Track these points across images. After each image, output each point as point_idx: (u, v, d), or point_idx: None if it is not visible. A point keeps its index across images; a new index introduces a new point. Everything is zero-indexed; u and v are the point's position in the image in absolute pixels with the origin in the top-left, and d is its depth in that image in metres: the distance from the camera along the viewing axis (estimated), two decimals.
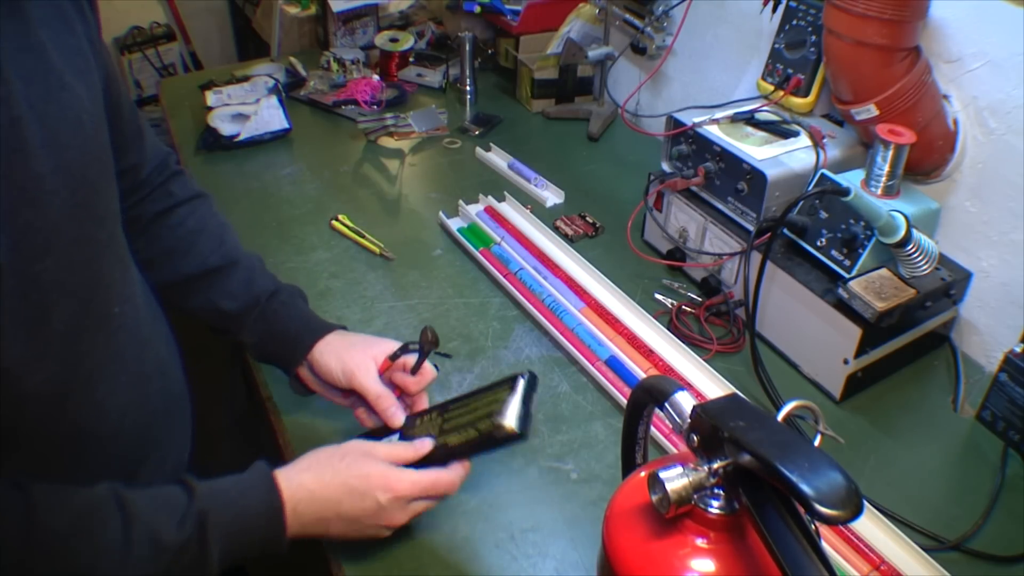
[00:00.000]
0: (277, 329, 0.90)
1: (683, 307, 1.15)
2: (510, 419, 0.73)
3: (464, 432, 0.76)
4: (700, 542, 0.56)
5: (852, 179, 1.02)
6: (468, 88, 1.74)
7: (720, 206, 1.15)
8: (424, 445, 0.78)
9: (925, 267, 0.97)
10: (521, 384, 0.76)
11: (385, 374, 0.87)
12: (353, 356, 0.87)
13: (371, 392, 0.85)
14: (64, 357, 0.63)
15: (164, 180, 0.91)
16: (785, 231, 1.05)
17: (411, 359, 0.86)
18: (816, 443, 0.59)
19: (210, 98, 1.60)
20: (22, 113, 0.56)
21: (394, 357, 0.86)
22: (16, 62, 0.57)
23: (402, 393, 0.87)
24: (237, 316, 0.90)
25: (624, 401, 0.95)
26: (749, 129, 1.15)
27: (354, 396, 0.88)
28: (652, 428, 0.73)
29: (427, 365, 0.86)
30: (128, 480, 0.67)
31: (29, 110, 0.57)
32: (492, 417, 0.74)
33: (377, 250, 1.26)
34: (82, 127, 0.63)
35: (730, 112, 1.17)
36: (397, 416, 0.84)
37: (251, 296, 0.91)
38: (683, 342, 1.06)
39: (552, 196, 1.41)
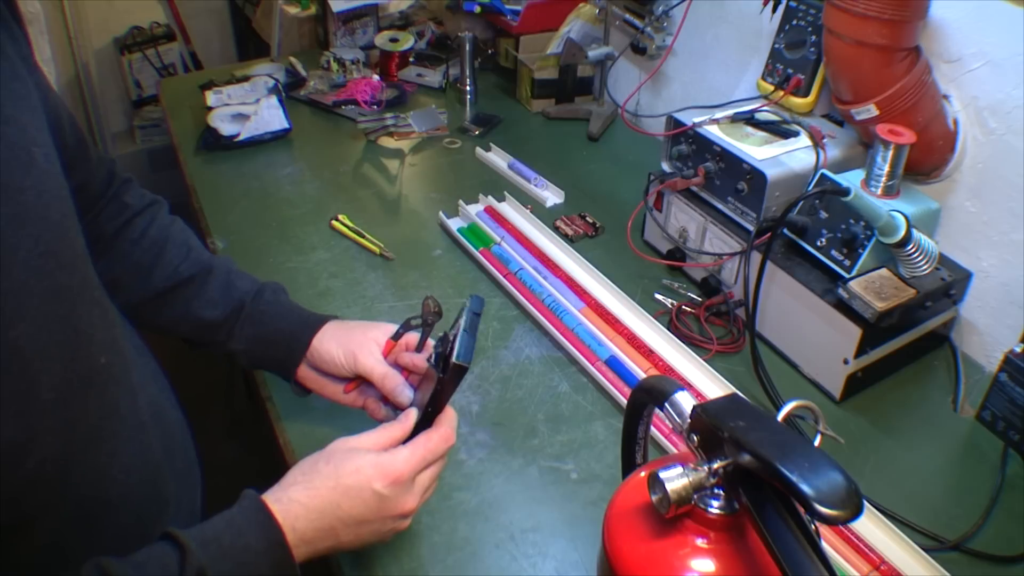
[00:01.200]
0: (269, 330, 0.86)
1: (683, 307, 1.14)
2: (455, 356, 0.71)
3: (429, 383, 0.75)
4: (700, 542, 0.56)
5: (852, 179, 1.02)
6: (468, 88, 1.74)
7: (720, 206, 1.15)
8: (409, 417, 0.74)
9: (925, 267, 0.97)
10: (463, 315, 0.74)
11: (389, 357, 0.84)
12: (354, 338, 0.84)
13: (376, 372, 0.82)
14: (58, 428, 0.58)
15: (115, 191, 0.85)
16: (785, 231, 1.05)
17: (414, 338, 0.84)
18: (816, 443, 0.59)
19: (210, 98, 1.60)
20: None
21: (396, 336, 0.84)
22: None
23: (410, 374, 0.84)
24: (221, 324, 0.86)
25: (624, 401, 0.95)
26: (749, 129, 1.15)
27: (359, 388, 0.86)
28: (652, 428, 0.73)
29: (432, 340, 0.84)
30: (146, 542, 0.62)
31: None
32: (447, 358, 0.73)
33: (377, 250, 1.26)
34: (34, 163, 0.56)
35: (730, 112, 1.17)
36: (405, 395, 0.81)
37: (233, 300, 0.86)
38: (683, 342, 1.06)
39: (552, 196, 1.41)
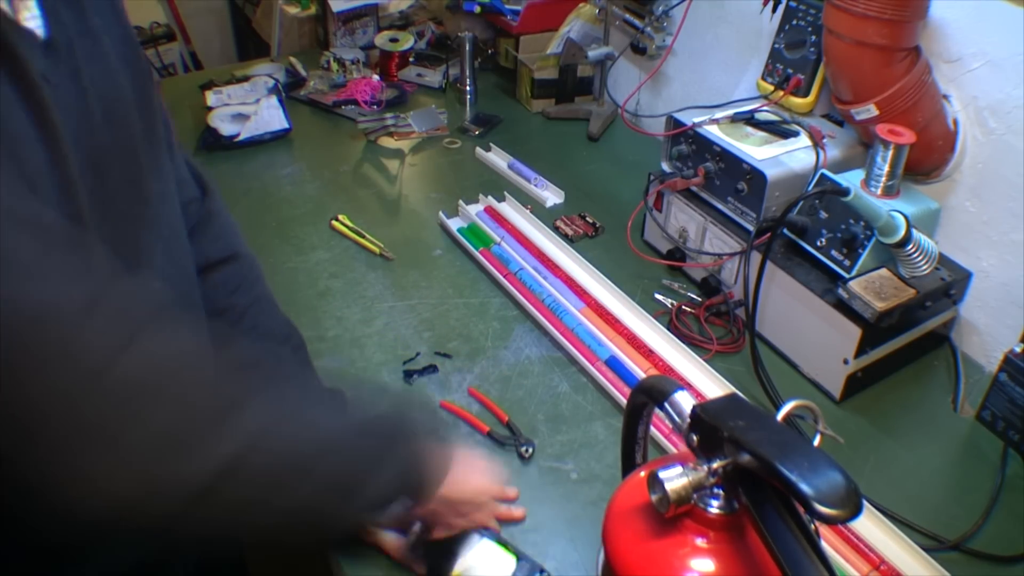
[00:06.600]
0: None
1: (683, 307, 1.14)
2: None
3: None
4: (700, 542, 0.56)
5: (852, 179, 1.02)
6: (468, 88, 1.74)
7: (720, 206, 1.15)
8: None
9: (925, 267, 0.97)
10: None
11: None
12: None
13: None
14: None
15: (188, 231, 0.80)
16: (785, 231, 1.05)
17: None
18: (816, 443, 0.59)
19: (210, 98, 1.60)
20: (88, 87, 0.59)
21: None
22: (78, 43, 0.59)
23: None
24: None
25: (624, 401, 0.95)
26: (749, 129, 1.15)
27: None
28: (652, 428, 0.73)
29: None
30: None
31: (92, 86, 0.59)
32: None
33: (377, 250, 1.26)
34: (129, 111, 0.65)
35: (730, 112, 1.17)
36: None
37: None
38: (683, 342, 1.06)
39: (552, 196, 1.41)
